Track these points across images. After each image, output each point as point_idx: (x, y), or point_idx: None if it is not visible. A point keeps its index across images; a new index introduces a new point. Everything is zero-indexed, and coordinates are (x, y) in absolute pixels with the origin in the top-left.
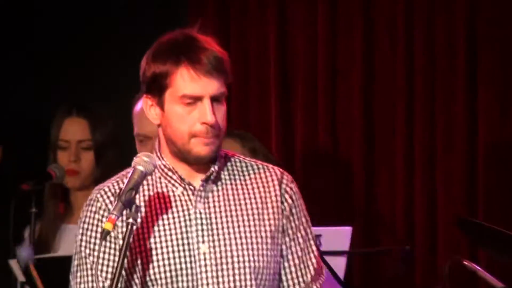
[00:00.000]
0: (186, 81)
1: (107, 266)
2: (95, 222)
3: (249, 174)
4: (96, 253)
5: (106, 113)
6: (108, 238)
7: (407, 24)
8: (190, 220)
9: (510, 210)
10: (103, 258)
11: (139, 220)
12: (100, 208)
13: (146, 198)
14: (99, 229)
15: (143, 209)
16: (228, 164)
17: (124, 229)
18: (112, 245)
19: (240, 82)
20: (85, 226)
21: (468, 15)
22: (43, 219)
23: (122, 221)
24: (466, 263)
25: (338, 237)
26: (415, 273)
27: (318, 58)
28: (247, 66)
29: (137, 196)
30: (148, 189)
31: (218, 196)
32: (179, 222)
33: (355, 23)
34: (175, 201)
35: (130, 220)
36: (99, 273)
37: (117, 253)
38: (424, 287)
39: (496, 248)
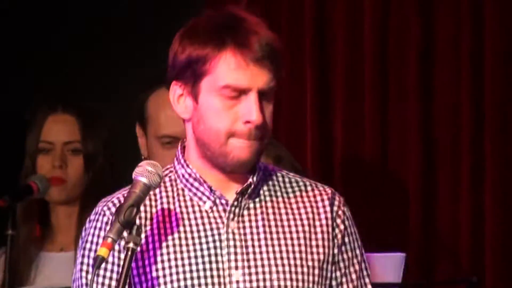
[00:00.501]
0: (230, 68)
1: None
2: (100, 241)
3: (293, 192)
4: (101, 279)
5: (98, 109)
6: (105, 265)
7: (474, 18)
8: (220, 241)
9: None
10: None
11: (150, 242)
12: (107, 223)
13: (163, 213)
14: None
15: (157, 229)
16: (269, 178)
17: (124, 258)
18: (112, 274)
19: None
20: (87, 245)
21: None
22: (15, 244)
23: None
24: None
25: (389, 265)
26: None
27: (364, 56)
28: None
29: (147, 212)
30: (167, 202)
31: (256, 214)
32: (207, 243)
33: (410, 16)
34: (202, 217)
35: (131, 245)
36: None
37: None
38: None
39: None
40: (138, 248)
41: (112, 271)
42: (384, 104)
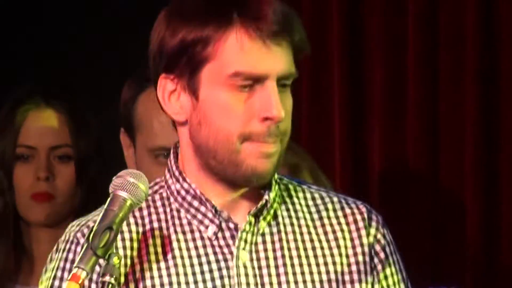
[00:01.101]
0: (241, 49)
1: None
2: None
3: (318, 212)
4: None
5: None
6: None
7: None
8: (229, 277)
9: None
10: None
11: (138, 280)
12: (80, 254)
13: (153, 242)
14: None
15: (146, 263)
16: (287, 193)
17: None
18: None
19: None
20: (56, 283)
21: None
22: None
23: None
24: None
25: None
26: None
27: (408, 48)
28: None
29: (132, 240)
30: (158, 227)
31: (273, 242)
32: (212, 280)
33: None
34: (204, 246)
35: (107, 278)
36: None
37: None
38: None
39: None
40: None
41: None
42: (434, 103)
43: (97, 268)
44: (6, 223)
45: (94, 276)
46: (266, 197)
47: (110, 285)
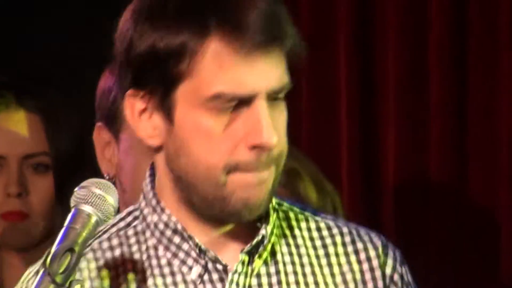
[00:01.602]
0: (223, 65)
1: None
2: None
3: (325, 246)
4: None
5: (69, 104)
6: None
7: None
8: None
9: None
10: None
11: None
12: None
13: (127, 286)
14: None
15: None
16: (286, 223)
17: None
18: None
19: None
20: None
21: None
22: None
23: None
24: None
25: None
26: None
27: (429, 43)
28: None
29: (102, 281)
30: (132, 268)
31: (271, 285)
32: None
33: None
34: None
35: None
36: None
37: None
38: None
39: None
40: None
41: None
42: (461, 104)
43: None
44: None
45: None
46: (262, 231)
47: None
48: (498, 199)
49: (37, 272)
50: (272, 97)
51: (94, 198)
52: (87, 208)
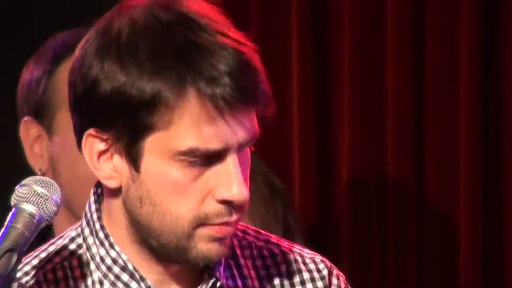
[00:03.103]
0: (199, 122)
1: None
2: None
3: (270, 277)
4: None
5: None
6: None
7: None
8: None
9: None
10: None
11: None
12: None
13: None
14: None
15: None
16: (231, 254)
17: None
18: None
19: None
20: None
21: None
22: None
23: None
24: None
25: None
26: None
27: (386, 45)
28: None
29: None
30: None
31: None
32: None
33: None
34: None
35: None
36: None
37: None
38: None
39: None
40: None
41: None
42: (417, 98)
43: None
44: None
45: None
46: (216, 273)
47: None
48: (454, 195)
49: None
50: (241, 148)
51: (36, 197)
52: (29, 207)
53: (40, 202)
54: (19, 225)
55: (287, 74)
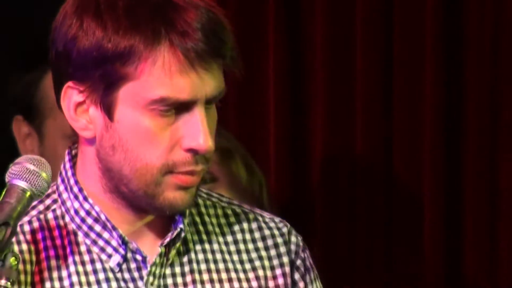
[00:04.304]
0: (170, 73)
1: None
2: None
3: (233, 233)
4: None
5: None
6: None
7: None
8: None
9: None
10: None
11: None
12: None
13: (50, 275)
14: None
15: None
16: (195, 210)
17: None
18: None
19: None
20: None
21: None
22: None
23: None
24: None
25: None
26: None
27: (356, 35)
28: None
29: (19, 268)
30: (53, 255)
31: (184, 275)
32: None
33: None
34: (107, 280)
35: (2, 282)
36: None
37: None
38: None
39: None
40: None
41: None
42: (386, 79)
43: None
44: None
45: None
46: (180, 225)
47: None
48: (421, 173)
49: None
50: (209, 102)
51: (28, 174)
52: (21, 184)
53: (31, 179)
54: (12, 200)
55: (263, 63)
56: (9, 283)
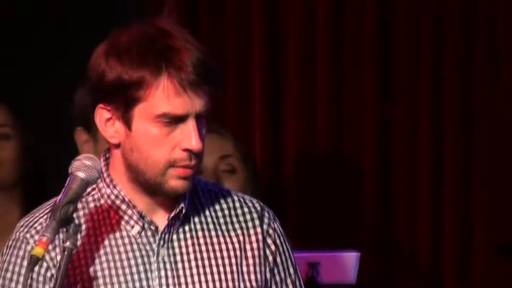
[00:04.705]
0: (167, 95)
1: None
2: (23, 271)
3: (221, 209)
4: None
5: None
6: (42, 279)
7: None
8: (151, 271)
9: None
10: None
11: (77, 267)
12: (29, 252)
13: (88, 239)
14: (29, 281)
15: (82, 254)
16: (195, 196)
17: (59, 257)
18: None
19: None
20: (8, 275)
21: None
22: None
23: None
24: None
25: (341, 265)
26: None
27: (317, 46)
28: (224, 53)
29: (76, 217)
30: (92, 227)
31: (186, 239)
32: (138, 272)
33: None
34: (131, 243)
35: (68, 244)
36: None
37: None
38: None
39: None
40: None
41: (45, 276)
42: (339, 94)
43: (60, 235)
44: None
45: (57, 242)
46: (182, 204)
47: (69, 250)
48: (365, 161)
49: (27, 226)
50: (199, 116)
51: (85, 168)
52: (80, 174)
53: (88, 171)
54: (74, 186)
55: (249, 77)
56: (72, 245)
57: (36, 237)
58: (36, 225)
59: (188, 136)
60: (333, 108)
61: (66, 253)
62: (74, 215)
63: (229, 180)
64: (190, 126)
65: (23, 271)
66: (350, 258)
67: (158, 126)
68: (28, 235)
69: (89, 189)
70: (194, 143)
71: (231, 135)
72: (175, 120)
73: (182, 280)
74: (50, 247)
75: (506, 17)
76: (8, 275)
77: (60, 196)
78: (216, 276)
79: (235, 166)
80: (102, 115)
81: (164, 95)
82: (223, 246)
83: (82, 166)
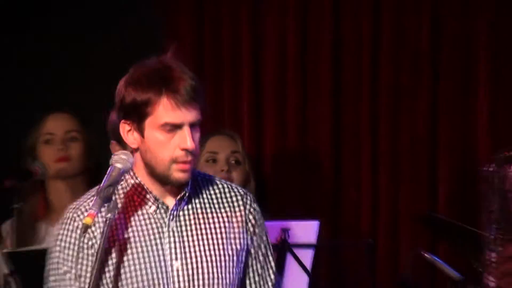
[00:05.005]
0: (167, 110)
1: (85, 276)
2: (73, 240)
3: (215, 193)
4: (74, 271)
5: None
6: (86, 247)
7: (375, 23)
8: (163, 238)
9: (467, 206)
10: (81, 267)
11: (114, 235)
12: (77, 227)
13: (120, 213)
14: (77, 248)
15: (119, 226)
16: (196, 183)
17: (103, 227)
18: (91, 254)
19: (215, 82)
20: (63, 244)
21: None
22: (20, 218)
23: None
24: (426, 255)
25: (306, 230)
26: (378, 264)
27: (287, 57)
28: (221, 66)
29: (113, 198)
30: (122, 206)
31: (189, 215)
32: (154, 239)
33: (325, 24)
34: (149, 218)
35: (109, 215)
36: (82, 285)
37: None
38: (386, 278)
39: (456, 240)
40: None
41: (91, 254)
42: (304, 102)
43: (102, 209)
44: (36, 185)
45: (102, 214)
46: (185, 189)
47: (109, 220)
48: (323, 151)
49: (75, 208)
50: (192, 125)
51: (122, 160)
52: (118, 165)
53: (124, 163)
54: (114, 174)
55: (239, 90)
56: (112, 216)
57: (82, 216)
58: (81, 207)
59: (184, 139)
60: (300, 118)
61: (107, 222)
62: (112, 197)
63: (236, 170)
64: (186, 132)
65: (73, 241)
66: (313, 225)
67: (163, 133)
68: (75, 215)
69: (119, 181)
70: (189, 144)
71: (239, 137)
72: (174, 127)
73: (186, 244)
74: (92, 223)
75: None
76: (62, 244)
77: (103, 181)
78: (210, 241)
79: (240, 159)
80: (124, 128)
81: (164, 110)
82: (216, 220)
83: (119, 159)
